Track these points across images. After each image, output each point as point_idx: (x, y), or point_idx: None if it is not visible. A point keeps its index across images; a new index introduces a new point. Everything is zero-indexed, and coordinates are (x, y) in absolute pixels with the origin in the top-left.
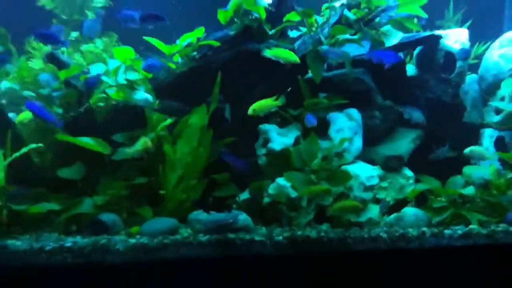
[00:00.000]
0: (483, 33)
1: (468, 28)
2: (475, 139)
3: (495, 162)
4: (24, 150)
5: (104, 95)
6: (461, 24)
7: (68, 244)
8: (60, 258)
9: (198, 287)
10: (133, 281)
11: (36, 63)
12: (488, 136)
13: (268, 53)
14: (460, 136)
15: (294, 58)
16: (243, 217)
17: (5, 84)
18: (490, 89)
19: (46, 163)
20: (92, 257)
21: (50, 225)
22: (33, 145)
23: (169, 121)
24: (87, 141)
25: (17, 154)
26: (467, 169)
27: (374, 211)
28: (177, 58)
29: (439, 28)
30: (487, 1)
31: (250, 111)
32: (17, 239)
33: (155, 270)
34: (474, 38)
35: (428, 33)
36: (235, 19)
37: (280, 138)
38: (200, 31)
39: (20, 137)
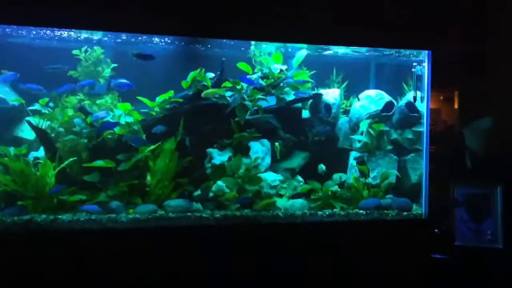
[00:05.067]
0: (355, 89)
1: (345, 86)
2: (346, 158)
3: (356, 172)
4: (66, 162)
5: (112, 131)
6: (341, 83)
7: (93, 217)
8: (87, 225)
9: (168, 243)
10: (131, 240)
11: (69, 111)
12: (353, 156)
13: (205, 94)
14: (336, 156)
15: (220, 91)
16: (196, 204)
17: (48, 123)
18: (355, 126)
19: (75, 171)
20: (107, 225)
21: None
22: (72, 159)
23: (152, 147)
24: (99, 163)
25: (62, 166)
26: (335, 175)
27: (277, 201)
28: (157, 109)
29: (325, 86)
30: (359, 69)
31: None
32: (62, 215)
33: (143, 233)
34: (350, 93)
35: (314, 91)
36: (192, 85)
37: (219, 157)
38: (170, 93)
39: (60, 155)
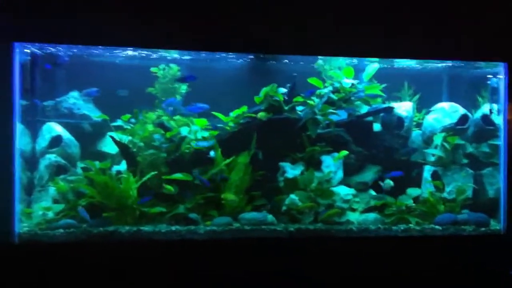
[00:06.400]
0: (429, 102)
1: (417, 99)
2: (419, 172)
3: (430, 187)
4: (148, 176)
5: (189, 145)
6: (412, 96)
7: (173, 229)
8: (169, 236)
9: (243, 255)
10: (208, 250)
11: (149, 127)
12: (428, 170)
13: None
14: (409, 170)
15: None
16: (270, 217)
17: (129, 138)
18: (428, 140)
19: (153, 184)
20: (186, 236)
21: (160, 220)
22: (153, 173)
23: (227, 161)
24: (178, 175)
25: (143, 179)
26: (409, 190)
27: (350, 215)
28: (231, 124)
29: (396, 99)
30: (431, 82)
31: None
32: (144, 226)
33: (220, 244)
34: (422, 105)
35: (386, 105)
36: (265, 101)
37: (291, 171)
38: (244, 108)
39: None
